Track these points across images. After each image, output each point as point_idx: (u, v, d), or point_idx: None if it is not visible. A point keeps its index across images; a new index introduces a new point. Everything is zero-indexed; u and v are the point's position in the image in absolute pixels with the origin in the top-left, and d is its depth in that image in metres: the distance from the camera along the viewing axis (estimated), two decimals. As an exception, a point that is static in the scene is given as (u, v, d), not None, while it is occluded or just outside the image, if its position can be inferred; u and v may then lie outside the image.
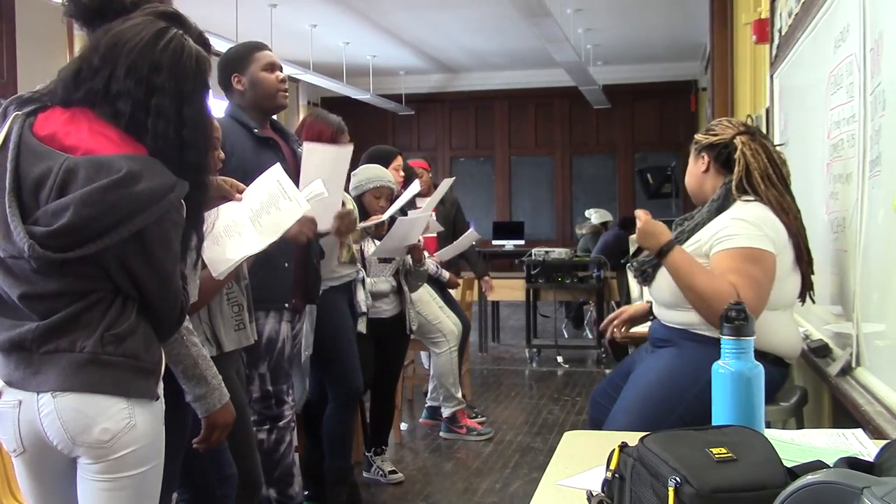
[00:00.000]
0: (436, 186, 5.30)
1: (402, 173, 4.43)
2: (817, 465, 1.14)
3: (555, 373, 7.01)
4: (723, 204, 2.44)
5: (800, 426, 2.54)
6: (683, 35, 9.81)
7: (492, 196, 13.11)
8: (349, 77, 10.52)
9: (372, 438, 4.24)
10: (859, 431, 1.70)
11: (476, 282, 6.29)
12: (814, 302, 2.58)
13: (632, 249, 2.89)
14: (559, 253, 7.20)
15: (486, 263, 6.54)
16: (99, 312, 1.56)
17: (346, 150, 2.99)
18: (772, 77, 3.87)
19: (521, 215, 12.86)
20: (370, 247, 3.89)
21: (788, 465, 1.16)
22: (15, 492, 2.29)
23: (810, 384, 2.81)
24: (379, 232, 3.78)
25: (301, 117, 5.67)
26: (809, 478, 0.91)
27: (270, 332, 2.90)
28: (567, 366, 7.18)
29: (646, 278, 2.53)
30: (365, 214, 3.79)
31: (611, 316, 2.94)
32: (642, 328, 2.93)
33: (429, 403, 5.21)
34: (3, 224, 1.50)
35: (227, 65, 3.02)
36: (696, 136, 2.62)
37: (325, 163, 2.83)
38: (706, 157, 2.53)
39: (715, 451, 1.15)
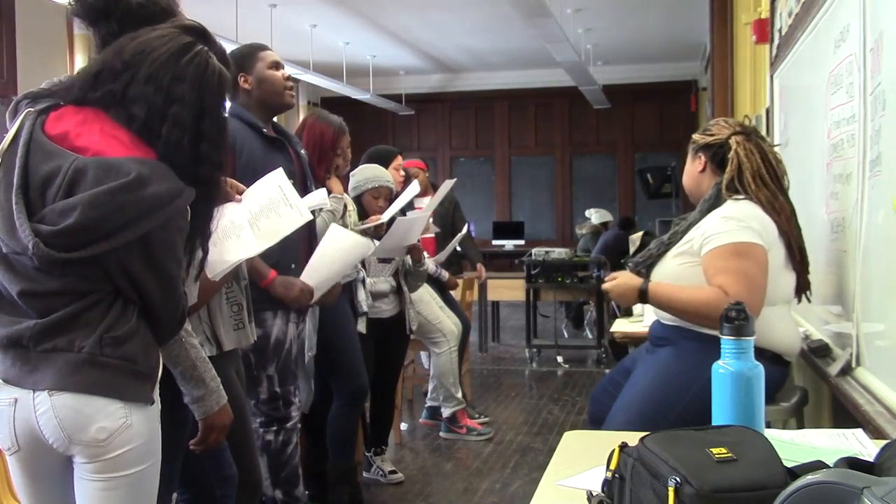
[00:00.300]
0: (434, 186, 5.30)
1: (402, 173, 4.43)
2: (817, 465, 1.14)
3: (555, 373, 7.01)
4: (714, 203, 2.46)
5: (800, 426, 2.54)
6: (683, 35, 9.81)
7: (492, 196, 13.11)
8: (349, 77, 10.52)
9: (372, 438, 4.24)
10: (859, 431, 1.70)
11: (476, 282, 6.30)
12: (810, 301, 2.58)
13: (632, 249, 2.90)
14: (559, 253, 7.21)
15: (483, 260, 6.58)
16: (98, 313, 1.56)
17: (365, 244, 3.09)
18: (772, 77, 3.87)
19: (521, 215, 12.87)
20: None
21: (788, 465, 1.16)
22: (15, 491, 2.29)
23: (810, 384, 2.81)
24: (378, 232, 3.78)
25: (301, 117, 5.67)
26: (809, 478, 0.91)
27: (278, 334, 2.89)
28: (567, 366, 7.18)
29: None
30: (364, 214, 3.79)
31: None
32: (642, 328, 2.93)
33: (429, 403, 5.21)
34: (9, 220, 1.50)
35: (233, 65, 3.01)
36: (693, 136, 2.64)
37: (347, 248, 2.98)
38: (703, 157, 2.55)
39: (715, 451, 1.15)
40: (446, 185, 4.14)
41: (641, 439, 1.22)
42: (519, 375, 7.02)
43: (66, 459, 1.60)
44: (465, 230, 5.24)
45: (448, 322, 4.82)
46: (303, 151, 3.09)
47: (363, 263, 3.81)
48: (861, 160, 2.13)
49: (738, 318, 1.55)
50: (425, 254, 4.20)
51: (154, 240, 1.55)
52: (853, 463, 1.06)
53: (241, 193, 2.19)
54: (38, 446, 1.58)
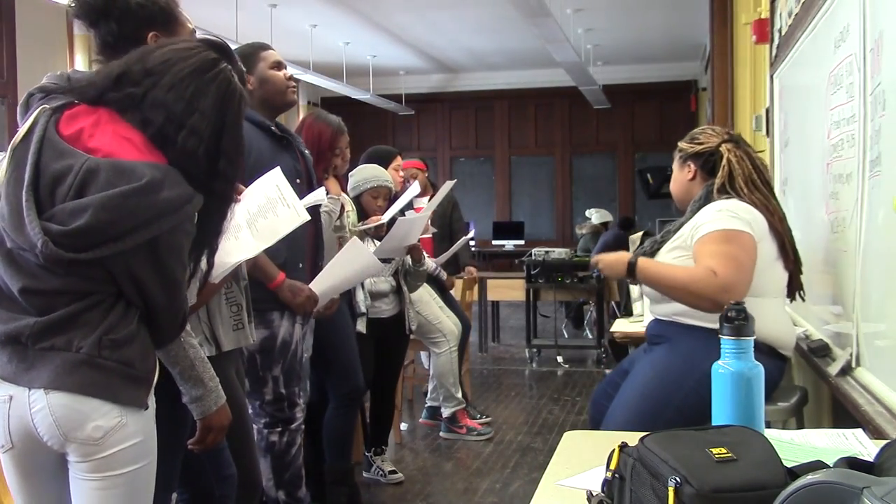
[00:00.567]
0: (433, 186, 5.30)
1: (401, 173, 4.43)
2: (817, 465, 1.14)
3: (555, 373, 7.01)
4: (704, 204, 2.53)
5: (800, 426, 2.54)
6: (683, 35, 9.81)
7: (492, 196, 13.11)
8: (349, 77, 10.52)
9: (372, 438, 4.23)
10: (859, 431, 1.70)
11: (475, 282, 6.30)
12: (804, 300, 2.60)
13: (632, 249, 2.91)
14: (559, 253, 7.21)
15: (482, 261, 6.56)
16: (98, 314, 1.56)
17: (379, 267, 3.15)
18: (772, 77, 3.87)
19: (521, 215, 12.87)
20: (370, 247, 3.89)
21: (788, 465, 1.16)
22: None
23: (810, 384, 2.81)
24: (378, 233, 3.78)
25: (301, 117, 5.67)
26: (809, 478, 0.91)
27: (285, 335, 2.88)
28: (567, 366, 7.18)
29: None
30: (363, 215, 3.79)
31: None
32: (642, 328, 2.94)
33: (429, 403, 5.21)
34: (17, 216, 1.50)
35: None
36: (679, 145, 2.67)
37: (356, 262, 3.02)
38: (692, 166, 2.61)
39: (715, 451, 1.15)
40: (446, 187, 4.14)
41: (641, 439, 1.22)
42: (519, 375, 7.02)
43: (59, 458, 1.60)
44: (471, 234, 5.25)
45: (448, 322, 4.81)
46: (306, 151, 3.09)
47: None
48: (861, 160, 2.13)
49: (738, 318, 1.55)
50: (425, 254, 4.20)
51: (162, 243, 1.55)
52: (853, 463, 1.06)
53: (239, 194, 2.18)
54: (32, 444, 1.58)
